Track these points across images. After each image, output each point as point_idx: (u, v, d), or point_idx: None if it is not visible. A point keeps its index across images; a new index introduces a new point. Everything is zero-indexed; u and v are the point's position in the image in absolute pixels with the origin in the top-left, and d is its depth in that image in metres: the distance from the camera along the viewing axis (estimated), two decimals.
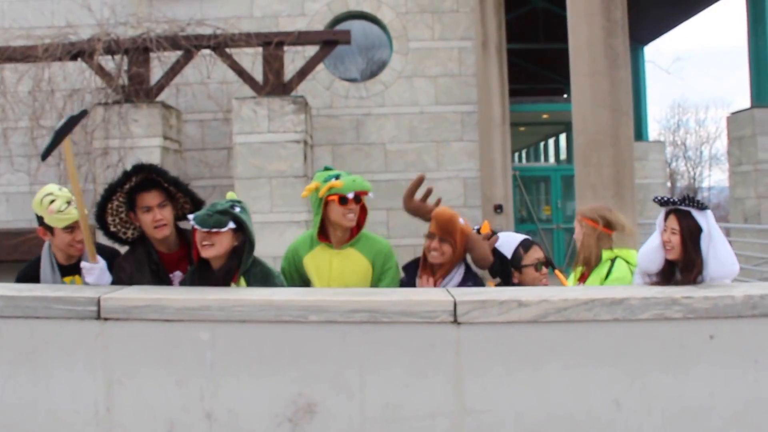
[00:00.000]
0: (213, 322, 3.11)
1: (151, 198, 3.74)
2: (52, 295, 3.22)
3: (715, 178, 49.18)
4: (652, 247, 3.50)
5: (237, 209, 3.57)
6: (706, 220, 3.37)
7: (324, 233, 4.15)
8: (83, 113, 3.88)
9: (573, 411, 3.01)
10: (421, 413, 3.03)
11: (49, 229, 3.87)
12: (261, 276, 3.75)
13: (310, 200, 4.14)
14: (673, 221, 3.42)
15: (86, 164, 12.18)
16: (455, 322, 3.01)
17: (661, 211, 3.53)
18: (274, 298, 3.13)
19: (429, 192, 4.23)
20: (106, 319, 3.15)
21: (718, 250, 3.34)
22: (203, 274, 3.62)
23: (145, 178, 3.76)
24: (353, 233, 4.16)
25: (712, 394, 3.00)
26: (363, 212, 4.19)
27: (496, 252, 4.13)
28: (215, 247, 3.52)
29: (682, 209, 3.41)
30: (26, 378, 3.19)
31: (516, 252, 4.14)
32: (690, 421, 2.99)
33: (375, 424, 3.04)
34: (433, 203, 4.19)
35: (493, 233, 4.12)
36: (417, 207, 4.20)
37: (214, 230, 3.46)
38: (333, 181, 4.02)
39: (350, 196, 4.00)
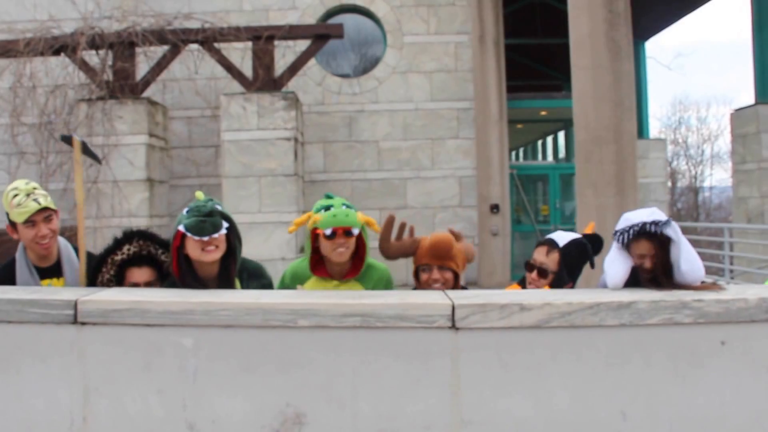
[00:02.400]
0: (196, 327, 2.96)
1: (141, 275, 3.58)
2: (26, 298, 3.06)
3: (716, 177, 49.10)
4: (623, 274, 3.37)
5: (218, 206, 3.43)
6: (672, 229, 3.26)
7: (322, 266, 3.90)
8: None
9: (577, 422, 2.87)
10: (416, 424, 2.88)
11: (15, 227, 3.71)
12: (253, 272, 3.65)
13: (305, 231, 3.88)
14: (646, 247, 3.30)
15: (68, 162, 12.01)
16: (453, 327, 2.86)
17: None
18: (262, 301, 2.98)
19: (403, 227, 3.94)
20: (83, 323, 3.00)
21: (687, 254, 3.25)
22: (195, 286, 3.41)
23: (137, 253, 3.59)
24: (357, 266, 3.90)
25: (723, 403, 2.86)
26: (362, 244, 3.86)
27: None
28: (219, 248, 3.39)
29: (648, 231, 3.29)
30: None
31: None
32: None
33: None
34: (409, 235, 3.96)
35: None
36: (398, 247, 3.89)
37: (215, 236, 3.33)
38: (316, 215, 3.75)
39: (327, 232, 3.74)
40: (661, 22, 19.71)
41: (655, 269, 3.29)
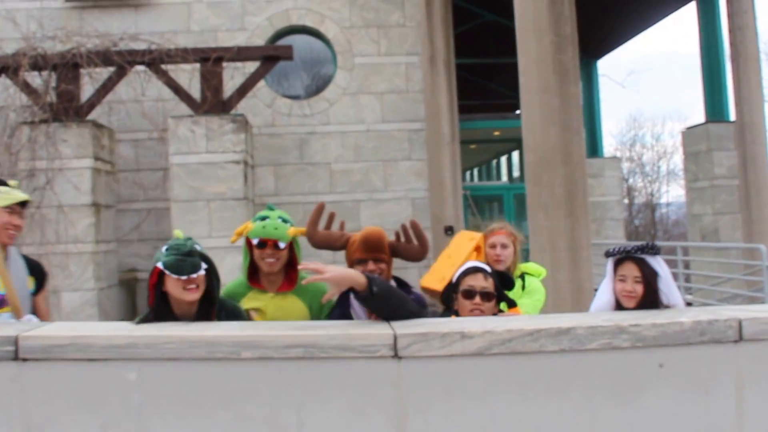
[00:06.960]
0: (140, 361, 2.93)
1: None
2: None
3: (673, 194, 49.46)
4: (605, 301, 3.66)
5: (197, 246, 3.45)
6: (659, 264, 3.61)
7: (257, 277, 4.03)
8: None
9: None
10: None
11: None
12: (230, 312, 3.67)
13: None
14: (633, 269, 3.62)
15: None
16: (396, 356, 2.88)
17: (610, 261, 3.70)
18: (206, 334, 2.97)
19: (332, 217, 4.11)
20: (24, 359, 2.95)
21: (672, 292, 3.61)
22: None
23: None
24: (292, 278, 4.01)
25: (663, 425, 2.92)
26: (294, 258, 4.04)
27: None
28: (199, 288, 3.41)
29: (638, 256, 3.62)
30: None
31: (459, 277, 4.00)
32: None
33: None
34: (339, 228, 4.08)
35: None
36: (325, 236, 4.09)
37: (194, 276, 3.34)
38: (248, 223, 3.91)
39: (254, 242, 3.89)
40: (612, 41, 20.04)
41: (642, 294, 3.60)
